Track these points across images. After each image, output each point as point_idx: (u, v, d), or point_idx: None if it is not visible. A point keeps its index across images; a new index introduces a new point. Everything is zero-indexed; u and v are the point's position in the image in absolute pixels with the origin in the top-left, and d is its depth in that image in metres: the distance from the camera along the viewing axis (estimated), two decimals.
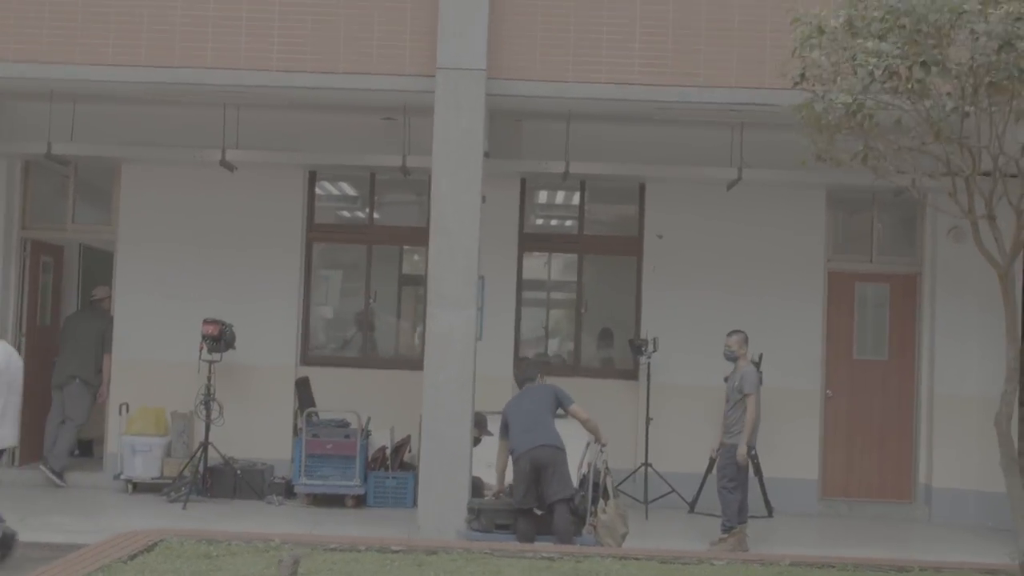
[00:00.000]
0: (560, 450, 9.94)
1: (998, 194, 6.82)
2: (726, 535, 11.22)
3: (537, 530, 9.84)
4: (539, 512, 9.87)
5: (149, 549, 8.34)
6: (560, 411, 10.24)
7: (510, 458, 10.04)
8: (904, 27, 6.30)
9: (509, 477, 10.14)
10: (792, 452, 13.39)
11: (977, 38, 6.15)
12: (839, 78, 6.62)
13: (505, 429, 10.11)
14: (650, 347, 13.07)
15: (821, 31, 6.74)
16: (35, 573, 7.55)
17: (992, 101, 6.56)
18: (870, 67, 6.30)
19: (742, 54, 11.06)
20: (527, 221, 14.13)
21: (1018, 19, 6.02)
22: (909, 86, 6.29)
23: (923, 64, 6.21)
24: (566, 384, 11.54)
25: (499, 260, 13.39)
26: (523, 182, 13.82)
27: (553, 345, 14.57)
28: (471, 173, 11.01)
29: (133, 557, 8.04)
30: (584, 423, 10.20)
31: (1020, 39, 6.07)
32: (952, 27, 6.29)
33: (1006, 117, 6.62)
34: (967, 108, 6.70)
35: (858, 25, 6.52)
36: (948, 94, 6.77)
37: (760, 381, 11.93)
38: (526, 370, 10.69)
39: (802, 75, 6.91)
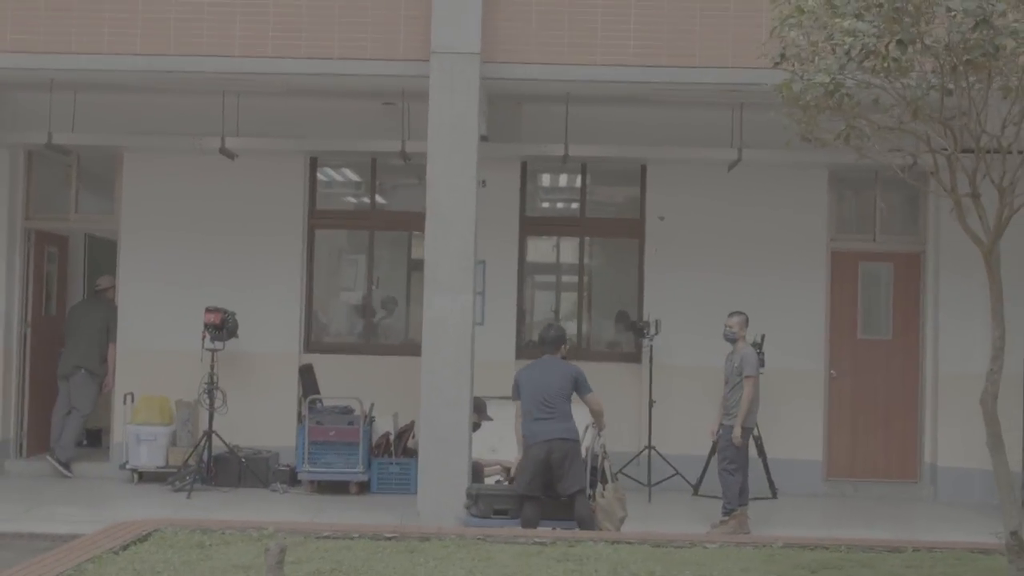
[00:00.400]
0: (576, 442, 9.90)
1: (981, 172, 6.75)
2: (727, 517, 11.20)
3: (542, 515, 9.83)
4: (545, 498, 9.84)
5: (143, 539, 8.37)
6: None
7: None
8: (881, 6, 6.24)
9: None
10: (796, 433, 13.36)
11: (954, 15, 6.09)
12: (816, 58, 6.57)
13: (517, 392, 10.04)
14: (652, 329, 13.04)
15: (801, 11, 6.67)
16: (26, 564, 7.58)
17: (972, 79, 6.49)
18: (846, 46, 6.25)
19: (737, 34, 10.96)
20: (528, 205, 14.11)
21: None
22: (886, 65, 6.22)
23: (899, 43, 6.14)
24: None
25: (500, 244, 13.37)
26: (524, 165, 13.79)
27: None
28: (466, 157, 10.97)
29: (126, 547, 8.08)
30: (594, 413, 10.17)
31: (996, 16, 6.01)
32: (930, 5, 6.22)
33: (985, 94, 6.54)
34: (949, 86, 6.63)
35: (837, 4, 6.45)
36: (932, 72, 6.71)
37: (762, 363, 11.92)
38: (548, 341, 10.34)
39: (782, 55, 6.85)
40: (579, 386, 10.03)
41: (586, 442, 10.27)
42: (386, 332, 14.33)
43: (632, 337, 13.63)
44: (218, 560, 7.75)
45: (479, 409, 11.29)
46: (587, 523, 9.66)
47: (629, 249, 14.04)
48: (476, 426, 11.25)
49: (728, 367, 11.53)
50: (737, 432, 11.15)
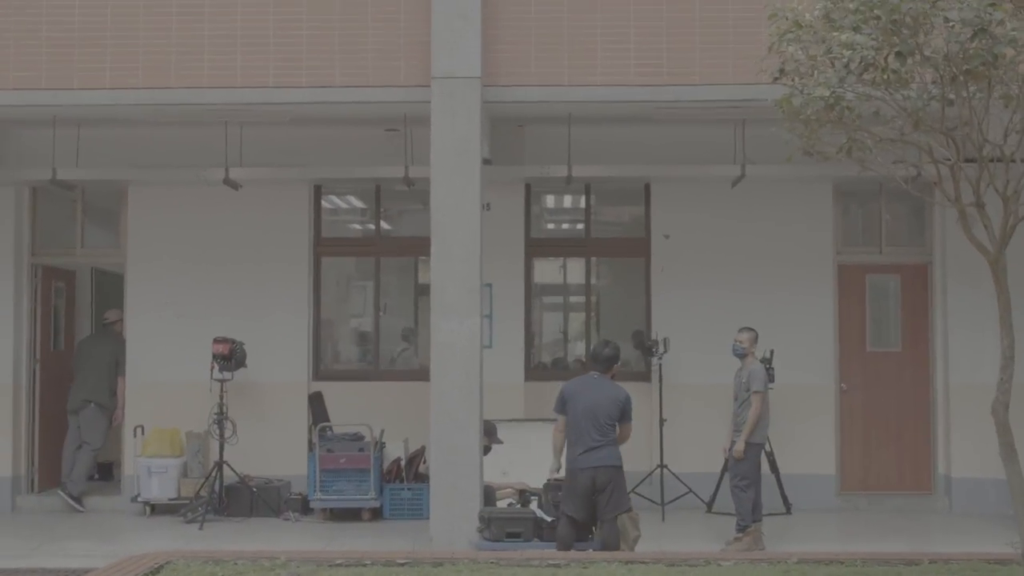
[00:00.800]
0: (619, 468, 9.72)
1: (985, 181, 6.74)
2: (741, 534, 11.15)
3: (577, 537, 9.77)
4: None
5: (155, 571, 8.36)
6: None
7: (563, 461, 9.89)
8: (879, 18, 6.24)
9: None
10: (809, 448, 13.32)
11: (952, 26, 6.09)
12: (816, 71, 6.57)
13: (562, 406, 9.79)
14: (661, 347, 13.02)
15: (799, 25, 6.68)
16: None
17: (972, 88, 6.49)
18: (845, 59, 6.26)
19: (737, 50, 10.96)
20: (533, 226, 14.11)
21: (991, 4, 5.95)
22: (885, 77, 6.22)
23: (899, 54, 6.15)
24: None
25: (506, 267, 13.39)
26: (528, 187, 13.80)
27: (566, 349, 14.54)
28: (470, 181, 10.98)
29: None
30: (621, 440, 9.89)
31: (995, 25, 6.01)
32: (928, 16, 6.23)
33: (986, 103, 6.54)
34: (950, 96, 6.63)
35: (835, 18, 6.46)
36: (932, 83, 6.71)
37: (771, 379, 11.89)
38: (601, 359, 10.05)
39: (781, 70, 6.85)
40: (623, 414, 9.77)
41: None
42: (398, 359, 14.31)
43: (641, 356, 13.60)
44: None
45: (489, 432, 11.28)
46: (612, 547, 9.51)
47: (635, 268, 14.04)
48: (487, 449, 11.23)
49: (737, 383, 11.50)
50: (740, 447, 11.10)
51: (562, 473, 9.85)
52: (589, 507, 9.59)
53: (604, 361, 9.98)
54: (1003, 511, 11.91)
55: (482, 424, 10.99)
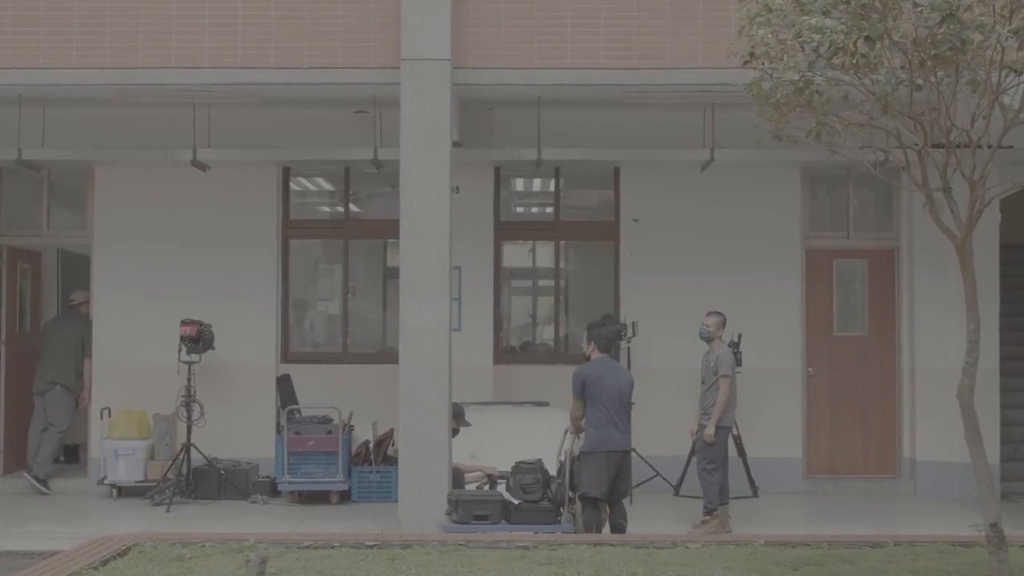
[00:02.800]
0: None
1: (952, 166, 6.78)
2: (708, 517, 11.21)
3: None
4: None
5: (122, 554, 8.32)
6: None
7: (579, 438, 10.16)
8: (848, 2, 6.25)
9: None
10: (775, 431, 13.41)
11: (921, 11, 6.11)
12: (785, 55, 6.58)
13: (582, 390, 10.02)
14: (630, 331, 13.04)
15: (769, 9, 6.68)
16: None
17: (940, 73, 6.51)
18: (815, 43, 6.27)
19: (707, 34, 10.96)
20: (503, 209, 14.12)
21: None
22: (855, 61, 6.23)
23: (867, 39, 6.16)
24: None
25: (476, 250, 13.41)
26: (497, 171, 13.81)
27: (535, 332, 14.55)
28: (439, 163, 10.95)
29: (105, 562, 8.02)
30: None
31: (963, 10, 6.03)
32: (896, 1, 6.24)
33: (954, 88, 6.57)
34: (918, 81, 6.66)
35: (804, 2, 6.46)
36: (901, 67, 6.73)
37: (739, 363, 11.93)
38: (609, 337, 10.45)
39: (751, 54, 6.86)
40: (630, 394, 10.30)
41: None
42: (364, 340, 14.29)
43: None
44: (199, 573, 7.70)
45: (457, 415, 11.27)
46: (623, 528, 9.93)
47: (605, 252, 14.07)
48: (455, 432, 11.23)
49: (704, 367, 11.55)
50: (710, 431, 11.16)
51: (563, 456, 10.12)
52: (610, 486, 9.91)
53: (612, 341, 10.46)
54: (967, 494, 12.03)
55: (451, 407, 10.98)
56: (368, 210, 14.57)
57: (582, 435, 10.27)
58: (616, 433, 9.97)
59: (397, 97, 11.04)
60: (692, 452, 12.30)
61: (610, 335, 10.46)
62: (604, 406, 9.98)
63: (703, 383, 11.52)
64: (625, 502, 11.48)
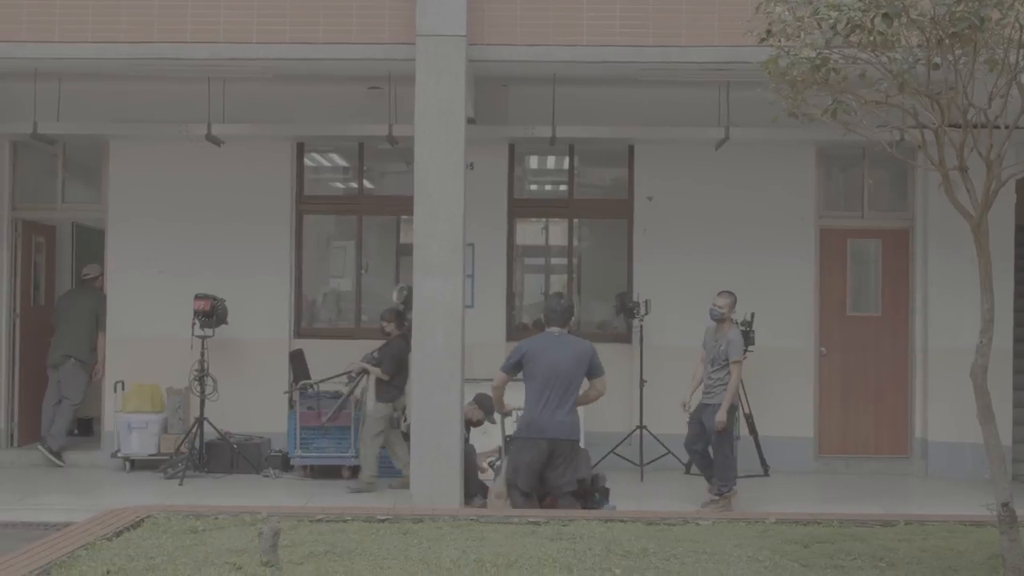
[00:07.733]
0: (577, 444, 9.46)
1: (968, 146, 6.76)
2: (717, 497, 11.18)
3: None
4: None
5: (136, 525, 8.39)
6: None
7: (508, 422, 9.96)
8: None
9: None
10: (787, 411, 13.40)
11: None
12: (802, 33, 6.56)
13: (515, 365, 9.43)
14: (642, 309, 13.04)
15: None
16: (19, 552, 7.57)
17: (958, 51, 6.49)
18: (832, 21, 6.25)
19: (723, 11, 10.93)
20: (516, 187, 14.11)
21: None
22: (872, 39, 6.22)
23: (885, 16, 6.14)
24: None
25: (489, 227, 13.40)
26: (511, 148, 13.78)
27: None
28: (454, 140, 10.94)
29: (119, 534, 8.09)
30: (591, 396, 9.66)
31: None
32: None
33: (971, 67, 6.55)
34: (936, 59, 6.64)
35: None
36: (919, 45, 6.71)
37: (752, 342, 11.93)
38: (558, 312, 9.65)
39: (768, 31, 6.84)
40: (592, 368, 9.44)
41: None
42: (376, 316, 14.28)
43: (623, 317, 13.61)
44: (212, 545, 7.76)
45: (487, 409, 11.07)
46: None
47: (618, 230, 14.06)
48: (479, 423, 11.16)
49: (712, 346, 11.46)
50: (722, 417, 11.07)
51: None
52: (539, 477, 9.31)
53: (562, 314, 9.66)
54: (979, 475, 12.07)
55: (463, 382, 10.93)
56: (382, 186, 14.57)
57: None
58: (544, 417, 9.19)
59: (412, 73, 11.02)
60: (694, 432, 11.96)
61: (558, 308, 9.70)
62: (538, 385, 9.29)
63: (711, 363, 11.40)
64: (635, 479, 11.46)
